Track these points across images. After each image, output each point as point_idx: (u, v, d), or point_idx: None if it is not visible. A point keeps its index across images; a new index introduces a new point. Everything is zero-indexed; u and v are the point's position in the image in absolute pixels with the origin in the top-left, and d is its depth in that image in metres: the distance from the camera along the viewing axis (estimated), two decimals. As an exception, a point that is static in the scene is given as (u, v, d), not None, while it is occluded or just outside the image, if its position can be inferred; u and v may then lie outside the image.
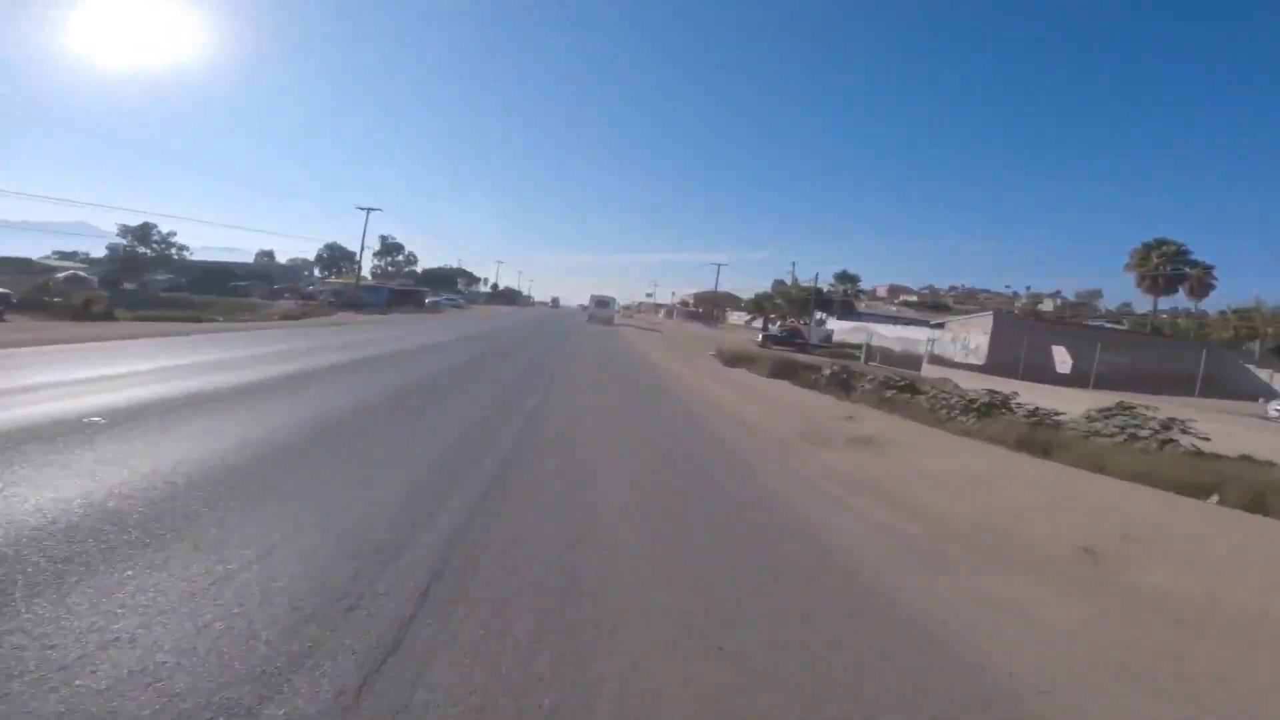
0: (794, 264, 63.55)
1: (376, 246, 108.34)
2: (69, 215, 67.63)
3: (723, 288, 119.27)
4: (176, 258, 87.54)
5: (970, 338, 36.29)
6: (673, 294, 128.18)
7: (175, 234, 77.43)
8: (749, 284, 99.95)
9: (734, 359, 20.45)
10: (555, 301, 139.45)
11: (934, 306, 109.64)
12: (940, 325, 41.05)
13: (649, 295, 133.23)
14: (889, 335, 46.62)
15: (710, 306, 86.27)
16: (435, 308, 58.51)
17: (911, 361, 33.08)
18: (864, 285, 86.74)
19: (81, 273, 73.07)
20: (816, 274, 48.26)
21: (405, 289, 59.82)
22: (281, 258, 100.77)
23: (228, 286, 64.87)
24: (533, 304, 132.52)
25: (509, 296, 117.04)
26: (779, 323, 49.12)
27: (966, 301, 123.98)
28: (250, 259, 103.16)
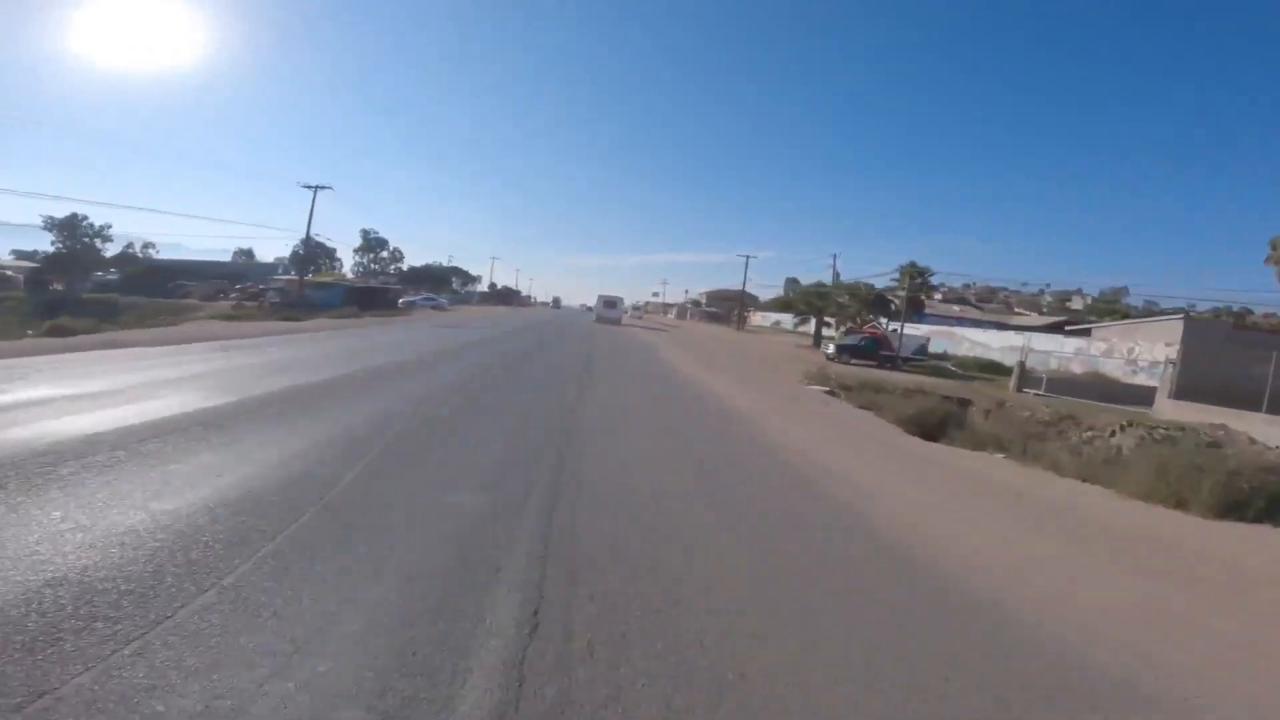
0: (835, 257, 52.98)
1: (358, 242, 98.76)
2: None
3: (727, 286, 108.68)
4: (141, 255, 78.78)
5: (1142, 350, 25.39)
6: (685, 292, 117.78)
7: (110, 226, 67.75)
8: (752, 283, 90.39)
9: (920, 420, 9.58)
10: (556, 301, 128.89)
11: (959, 304, 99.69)
12: (1081, 332, 30.12)
13: (656, 295, 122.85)
14: (995, 345, 35.64)
15: (732, 306, 75.49)
16: (410, 309, 47.87)
17: (1093, 389, 22.07)
18: (880, 284, 75.83)
19: (9, 272, 65.41)
20: (914, 268, 37.43)
21: (371, 287, 49.02)
22: (269, 255, 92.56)
23: (167, 286, 56.54)
24: (532, 304, 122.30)
25: (505, 296, 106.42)
26: (844, 327, 38.18)
27: (989, 299, 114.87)
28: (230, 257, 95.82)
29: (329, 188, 39.27)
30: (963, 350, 37.72)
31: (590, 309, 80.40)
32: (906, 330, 36.50)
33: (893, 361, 30.31)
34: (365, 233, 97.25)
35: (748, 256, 62.28)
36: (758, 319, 77.22)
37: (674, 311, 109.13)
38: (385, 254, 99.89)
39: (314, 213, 39.08)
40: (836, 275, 65.44)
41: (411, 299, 52.21)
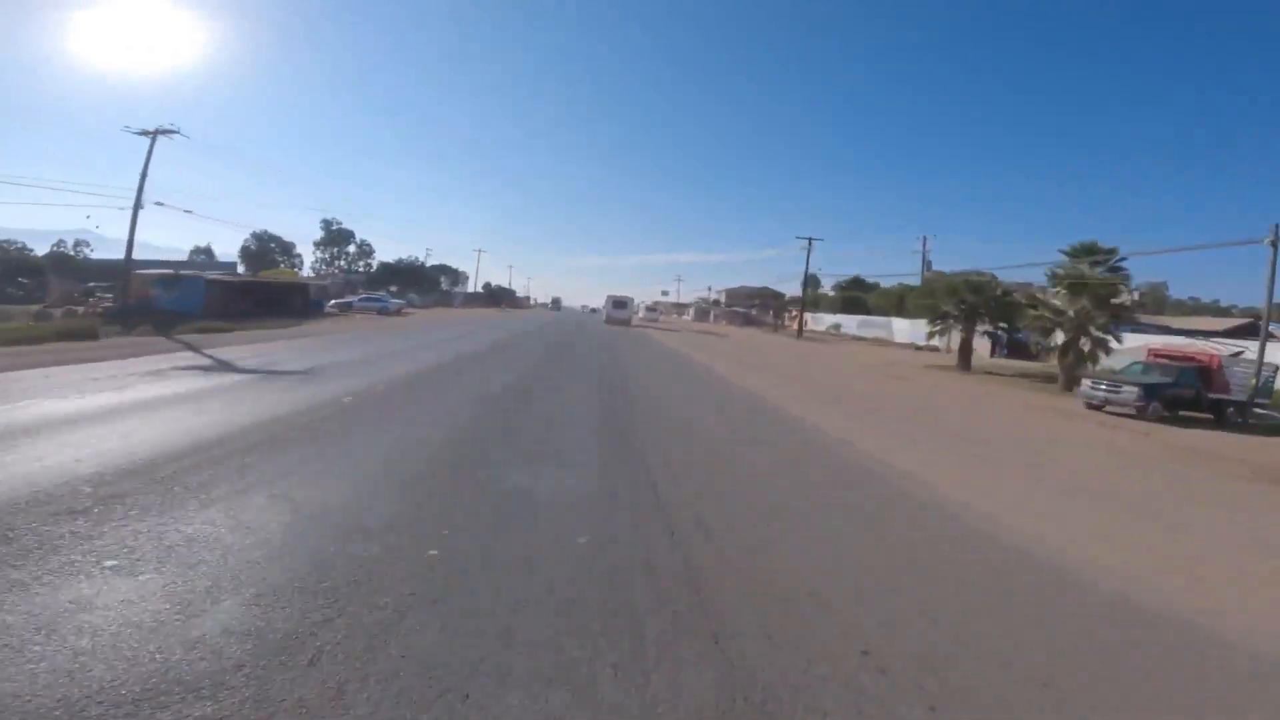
0: (925, 240, 37.54)
1: (319, 235, 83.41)
2: (71, 223, 48.85)
3: (730, 285, 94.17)
4: (75, 254, 65.88)
5: None
6: (709, 289, 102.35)
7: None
8: (754, 282, 78.15)
9: None
10: (556, 303, 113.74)
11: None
12: None
13: (665, 293, 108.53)
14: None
15: (779, 307, 60.01)
16: (346, 312, 32.80)
17: None
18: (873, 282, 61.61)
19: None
20: (1096, 247, 22.41)
21: (270, 283, 33.41)
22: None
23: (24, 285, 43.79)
24: (530, 305, 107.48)
25: (495, 297, 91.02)
26: (1043, 341, 22.76)
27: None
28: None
29: (174, 131, 23.92)
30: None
31: (594, 310, 77.97)
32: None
33: (1220, 412, 15.13)
34: (327, 223, 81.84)
35: (810, 239, 46.60)
36: (811, 322, 61.95)
37: (689, 312, 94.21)
38: (352, 248, 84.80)
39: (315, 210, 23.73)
40: (928, 264, 49.90)
41: (347, 301, 36.88)
